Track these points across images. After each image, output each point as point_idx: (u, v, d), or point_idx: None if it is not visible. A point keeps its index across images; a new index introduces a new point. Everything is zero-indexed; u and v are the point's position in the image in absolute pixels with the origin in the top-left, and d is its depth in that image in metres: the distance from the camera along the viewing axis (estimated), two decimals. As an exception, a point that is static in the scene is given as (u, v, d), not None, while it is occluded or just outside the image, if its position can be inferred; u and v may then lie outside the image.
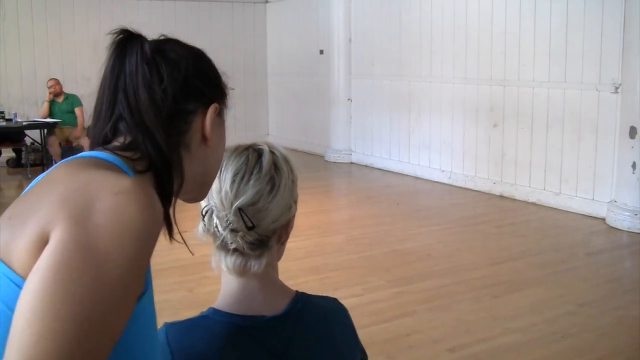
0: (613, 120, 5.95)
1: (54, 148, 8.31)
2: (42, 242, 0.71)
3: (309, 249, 5.21)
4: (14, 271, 0.73)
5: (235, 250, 1.12)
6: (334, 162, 9.63)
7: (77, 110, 8.54)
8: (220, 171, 1.11)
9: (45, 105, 8.55)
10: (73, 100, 8.59)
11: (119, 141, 0.89)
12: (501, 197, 7.15)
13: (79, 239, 0.70)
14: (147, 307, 0.83)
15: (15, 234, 0.74)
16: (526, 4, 6.73)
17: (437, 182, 8.02)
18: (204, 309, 1.16)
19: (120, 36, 0.90)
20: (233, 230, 1.09)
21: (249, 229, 1.08)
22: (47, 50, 9.78)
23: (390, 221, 6.23)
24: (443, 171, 8.01)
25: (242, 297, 1.14)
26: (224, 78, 1.02)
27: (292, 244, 1.24)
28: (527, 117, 6.84)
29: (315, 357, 1.16)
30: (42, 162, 8.51)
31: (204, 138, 0.95)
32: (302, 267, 4.72)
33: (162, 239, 0.92)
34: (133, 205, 0.74)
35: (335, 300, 1.27)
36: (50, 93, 8.50)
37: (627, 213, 5.70)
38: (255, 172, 1.11)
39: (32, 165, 8.77)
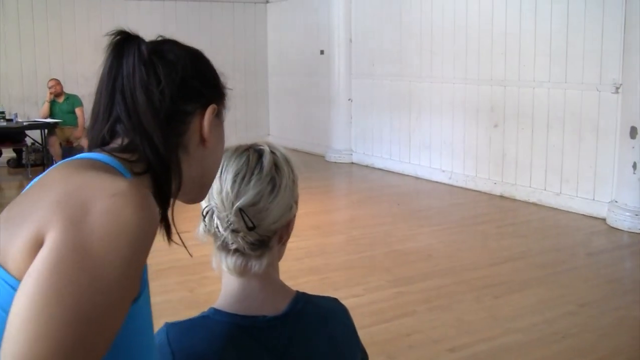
0: (614, 121, 5.95)
1: (55, 148, 8.32)
2: (38, 244, 0.71)
3: (309, 249, 5.21)
4: (9, 273, 0.72)
5: (236, 250, 1.12)
6: (335, 162, 9.64)
7: (77, 110, 8.55)
8: (221, 172, 1.11)
9: (46, 106, 8.56)
10: (74, 101, 8.60)
11: (116, 143, 0.89)
12: (502, 197, 7.15)
13: (74, 241, 0.70)
14: (143, 309, 0.83)
15: (11, 235, 0.74)
16: (527, 5, 6.73)
17: (437, 182, 8.02)
18: (205, 309, 1.16)
19: (118, 37, 0.90)
20: (234, 231, 1.09)
21: (250, 229, 1.08)
22: (47, 50, 9.78)
23: (390, 221, 6.23)
24: (444, 171, 8.01)
25: (242, 297, 1.14)
26: (222, 79, 1.01)
27: (292, 244, 1.24)
28: (528, 117, 6.84)
29: (316, 357, 1.16)
30: (43, 162, 8.51)
31: (202, 139, 0.95)
32: (302, 267, 4.72)
33: (162, 239, 0.92)
34: (129, 207, 0.73)
35: (335, 300, 1.27)
36: (50, 93, 8.51)
37: (627, 213, 5.70)
38: (256, 172, 1.11)
39: (32, 166, 8.77)
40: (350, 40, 9.45)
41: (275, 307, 1.15)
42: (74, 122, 8.56)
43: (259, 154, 1.14)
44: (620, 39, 5.78)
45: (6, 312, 0.70)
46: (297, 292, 1.20)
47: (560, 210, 6.47)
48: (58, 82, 8.58)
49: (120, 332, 0.74)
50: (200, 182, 0.99)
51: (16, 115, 8.47)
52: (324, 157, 9.89)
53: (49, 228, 0.71)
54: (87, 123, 0.97)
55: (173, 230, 0.93)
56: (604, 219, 6.00)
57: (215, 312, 1.14)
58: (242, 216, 1.08)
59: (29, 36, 9.65)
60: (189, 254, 1.06)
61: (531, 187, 6.86)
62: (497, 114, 7.24)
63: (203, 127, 0.95)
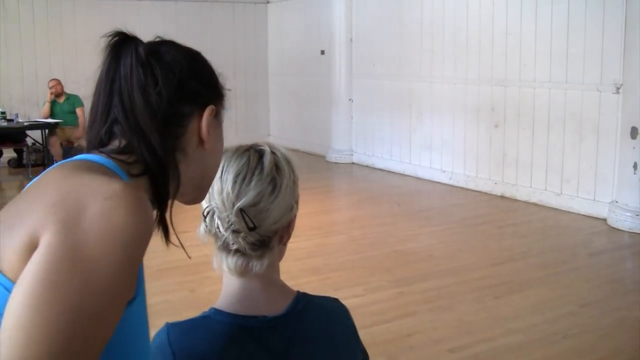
0: (614, 121, 5.95)
1: (55, 148, 8.32)
2: (32, 246, 0.71)
3: (310, 250, 5.21)
4: (4, 275, 0.72)
5: (237, 250, 1.12)
6: (335, 163, 9.64)
7: (78, 110, 8.56)
8: (222, 172, 1.11)
9: (47, 106, 8.56)
10: (74, 101, 8.61)
11: (114, 144, 0.89)
12: (502, 197, 7.14)
13: (68, 244, 0.70)
14: (138, 312, 0.83)
15: (6, 237, 0.74)
16: (527, 5, 6.73)
17: (438, 182, 8.02)
18: (205, 309, 1.16)
19: (115, 39, 0.90)
20: (235, 231, 1.09)
21: (251, 229, 1.08)
22: (48, 51, 9.79)
23: (391, 221, 6.23)
24: (444, 172, 8.01)
25: (243, 298, 1.14)
26: (220, 79, 1.01)
27: (293, 244, 1.24)
28: (528, 117, 6.84)
29: (317, 357, 1.16)
30: (44, 162, 8.51)
31: (201, 140, 0.95)
32: (303, 268, 4.72)
33: (161, 241, 0.92)
34: (123, 210, 0.73)
35: (336, 300, 1.27)
36: (51, 93, 8.51)
37: (628, 213, 5.70)
38: (256, 173, 1.11)
39: (33, 166, 8.77)
40: (351, 40, 9.45)
41: (276, 307, 1.15)
42: (74, 122, 8.57)
43: (260, 154, 1.14)
44: (621, 39, 5.78)
45: (0, 314, 0.69)
46: (298, 292, 1.21)
47: (561, 210, 6.46)
48: (59, 82, 8.58)
49: (115, 336, 0.73)
50: (199, 183, 0.99)
51: (17, 116, 8.48)
52: (324, 157, 9.89)
53: (43, 230, 0.71)
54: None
55: (171, 231, 0.92)
56: (604, 219, 6.00)
57: (216, 312, 1.14)
58: (243, 216, 1.08)
59: (29, 36, 9.66)
60: (188, 255, 1.06)
61: (532, 188, 6.86)
62: (497, 114, 7.24)
63: (201, 128, 0.94)
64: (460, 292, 4.29)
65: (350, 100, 9.58)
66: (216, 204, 1.10)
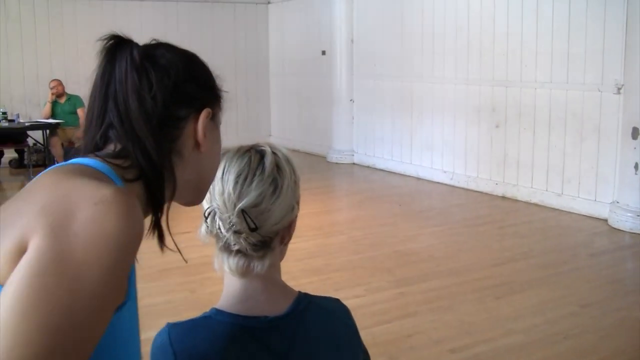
0: (615, 121, 5.95)
1: (56, 149, 8.33)
2: (22, 250, 0.71)
3: (311, 250, 5.21)
4: None
5: (238, 251, 1.12)
6: (336, 163, 9.64)
7: (79, 111, 8.56)
8: (223, 173, 1.11)
9: (48, 106, 8.57)
10: (75, 101, 8.62)
11: (109, 149, 0.89)
12: (503, 198, 7.14)
13: (57, 248, 0.70)
14: (128, 317, 0.82)
15: None
16: (528, 5, 6.73)
17: (439, 183, 8.02)
18: (207, 309, 1.16)
19: (111, 42, 0.90)
20: (236, 232, 1.09)
21: (252, 230, 1.08)
22: (49, 51, 9.80)
23: (392, 222, 6.23)
24: (445, 172, 8.00)
25: (244, 298, 1.15)
26: (217, 81, 1.00)
27: (294, 244, 1.24)
28: (529, 117, 6.84)
29: (318, 357, 1.16)
30: (45, 162, 8.52)
31: (197, 143, 0.94)
32: (304, 268, 4.72)
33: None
34: (112, 215, 0.73)
35: (337, 300, 1.28)
36: (52, 94, 8.52)
37: (629, 214, 5.70)
38: (257, 173, 1.11)
39: (34, 166, 8.78)
40: (352, 41, 9.46)
41: (277, 307, 1.15)
42: (75, 122, 8.57)
43: (261, 154, 1.14)
44: (622, 39, 5.78)
45: None
46: (299, 292, 1.21)
47: (562, 210, 6.46)
48: (60, 83, 8.59)
49: (104, 339, 0.73)
50: (196, 185, 0.98)
51: (18, 116, 8.49)
52: (325, 157, 9.89)
53: (32, 234, 0.71)
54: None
55: (168, 236, 0.92)
56: (605, 220, 6.00)
57: (217, 312, 1.14)
58: (244, 217, 1.08)
59: (30, 37, 9.67)
60: (184, 260, 1.05)
61: (533, 188, 6.86)
62: (498, 114, 7.24)
63: (197, 131, 0.94)
64: (461, 293, 4.29)
65: (351, 100, 9.58)
66: (217, 204, 1.10)
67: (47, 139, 8.32)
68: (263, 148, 1.15)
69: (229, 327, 1.11)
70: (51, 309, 0.67)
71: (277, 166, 1.13)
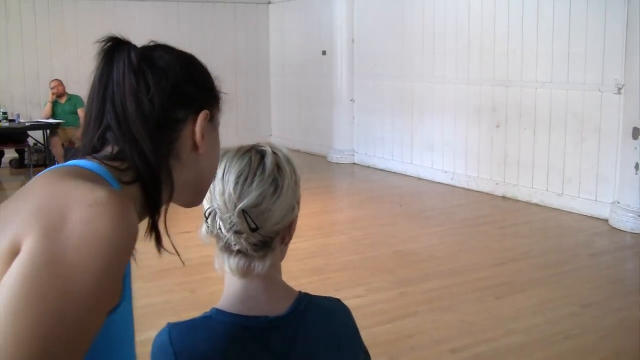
0: (616, 121, 5.94)
1: (57, 149, 8.33)
2: (15, 251, 0.70)
3: (311, 250, 5.21)
4: None
5: (239, 251, 1.12)
6: (337, 163, 9.64)
7: (80, 111, 8.56)
8: (224, 173, 1.11)
9: (48, 106, 8.57)
10: (76, 101, 8.62)
11: (107, 151, 0.88)
12: (504, 198, 7.14)
13: (50, 250, 0.69)
14: (122, 320, 0.82)
15: None
16: (529, 5, 6.73)
17: (439, 183, 8.02)
18: (207, 309, 1.16)
19: (109, 44, 0.90)
20: (237, 232, 1.09)
21: (253, 230, 1.08)
22: (50, 51, 9.80)
23: (393, 222, 6.23)
24: (446, 172, 8.00)
25: (245, 298, 1.15)
26: (216, 83, 1.00)
27: (294, 245, 1.24)
28: (530, 118, 6.84)
29: (319, 357, 1.16)
30: (45, 163, 8.52)
31: (195, 145, 0.94)
32: (304, 268, 4.72)
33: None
34: (106, 218, 0.73)
35: (338, 301, 1.28)
36: (53, 94, 8.52)
37: (630, 214, 5.69)
38: (258, 173, 1.11)
39: (35, 166, 8.78)
40: (353, 41, 9.45)
41: (278, 307, 1.15)
42: (76, 122, 8.57)
43: (262, 155, 1.14)
44: (622, 39, 5.77)
45: None
46: (300, 292, 1.21)
47: (563, 211, 6.46)
48: (60, 83, 8.59)
49: (99, 341, 0.73)
50: (195, 187, 0.98)
51: (19, 116, 8.49)
52: (326, 157, 9.89)
53: (25, 236, 0.70)
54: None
55: (166, 238, 0.91)
56: (606, 220, 5.99)
57: (218, 312, 1.14)
58: (245, 218, 1.08)
59: (31, 37, 9.67)
60: (182, 262, 1.05)
61: (533, 188, 6.86)
62: (499, 114, 7.23)
63: (195, 133, 0.94)
64: (462, 293, 4.29)
65: (352, 100, 9.58)
66: (218, 205, 1.10)
67: (47, 139, 8.32)
68: (264, 148, 1.15)
69: (230, 327, 1.11)
70: (44, 311, 0.67)
71: (278, 166, 1.13)
